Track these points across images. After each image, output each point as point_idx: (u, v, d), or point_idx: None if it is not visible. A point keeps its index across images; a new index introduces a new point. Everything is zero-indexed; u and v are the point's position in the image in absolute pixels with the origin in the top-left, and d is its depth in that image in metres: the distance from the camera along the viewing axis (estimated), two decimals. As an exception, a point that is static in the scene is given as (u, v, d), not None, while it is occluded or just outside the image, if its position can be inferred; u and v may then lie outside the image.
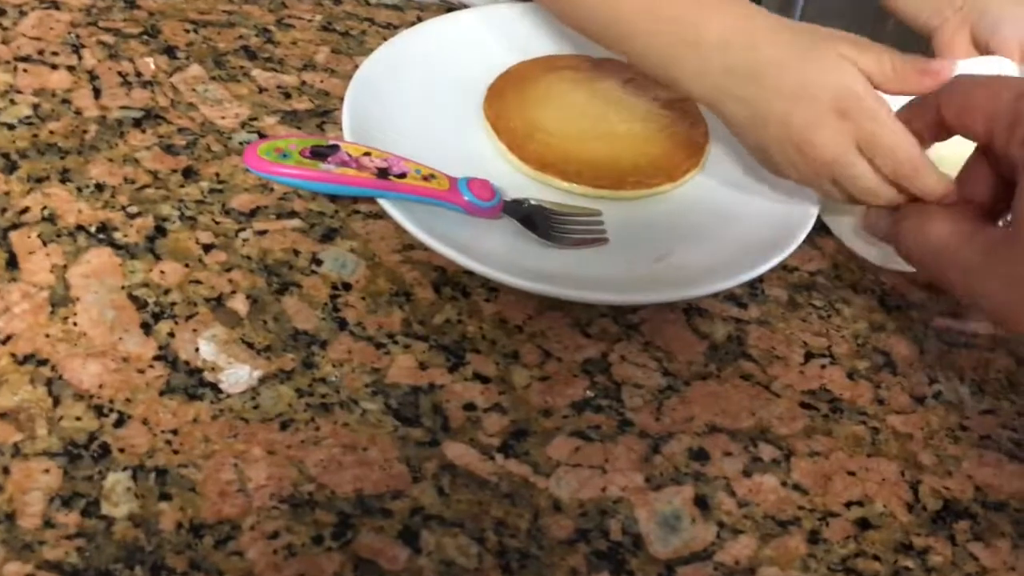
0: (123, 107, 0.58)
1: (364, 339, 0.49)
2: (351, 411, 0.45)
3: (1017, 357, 0.55)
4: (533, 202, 0.55)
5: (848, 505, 0.46)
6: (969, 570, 0.44)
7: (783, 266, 0.57)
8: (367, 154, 0.50)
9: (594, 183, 0.57)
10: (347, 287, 0.51)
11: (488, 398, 0.47)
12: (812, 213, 0.57)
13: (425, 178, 0.51)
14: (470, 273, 0.52)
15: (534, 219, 0.54)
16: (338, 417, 0.45)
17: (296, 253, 0.52)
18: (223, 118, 0.59)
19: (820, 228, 0.60)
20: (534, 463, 0.45)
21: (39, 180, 0.52)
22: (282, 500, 0.42)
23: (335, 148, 0.49)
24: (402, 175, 0.50)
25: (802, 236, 0.55)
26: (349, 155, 0.49)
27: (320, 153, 0.49)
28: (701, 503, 0.45)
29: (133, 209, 0.52)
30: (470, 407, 0.47)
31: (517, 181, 0.57)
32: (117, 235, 0.50)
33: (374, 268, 0.52)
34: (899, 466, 0.48)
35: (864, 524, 0.45)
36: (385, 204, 0.51)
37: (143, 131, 0.57)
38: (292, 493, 0.42)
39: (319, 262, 0.52)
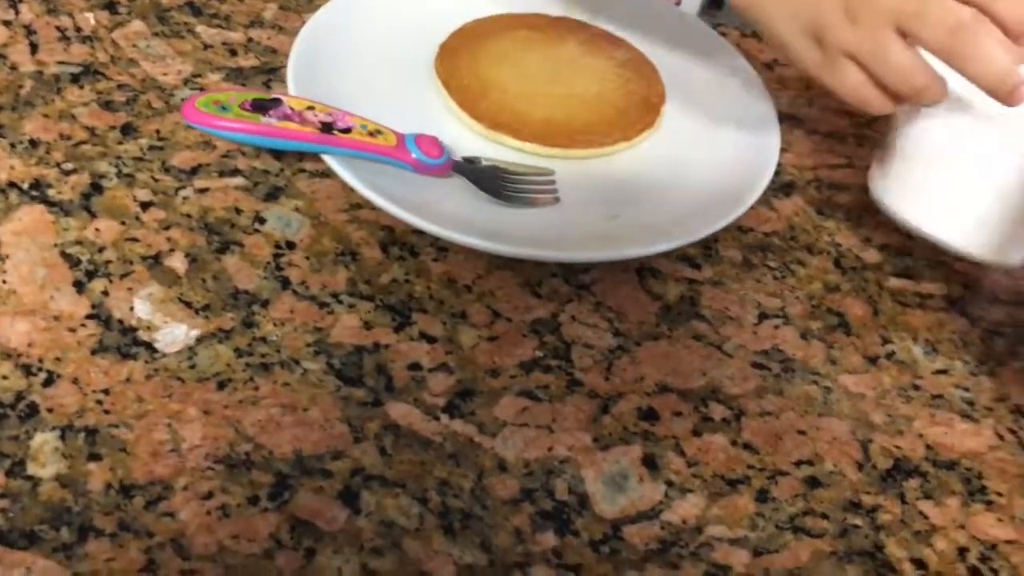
0: (61, 62, 0.56)
1: (307, 298, 0.47)
2: (292, 371, 0.44)
3: (970, 317, 0.54)
4: (485, 161, 0.54)
5: (798, 464, 0.45)
6: (918, 528, 0.44)
7: (738, 227, 0.56)
8: (311, 108, 0.49)
9: (546, 142, 0.55)
10: (291, 246, 0.50)
11: (434, 358, 0.46)
12: (767, 174, 0.56)
13: (371, 134, 0.50)
14: (419, 233, 0.51)
15: (485, 178, 0.53)
16: (278, 377, 0.44)
17: (238, 212, 0.50)
18: (165, 75, 0.57)
19: (777, 189, 0.60)
20: (480, 423, 0.44)
21: (-30, 136, 0.51)
22: (217, 460, 0.40)
23: (277, 102, 0.48)
24: (347, 130, 0.49)
25: (756, 196, 0.54)
26: (292, 109, 0.48)
27: (261, 106, 0.47)
28: (649, 463, 0.44)
29: (68, 166, 0.50)
30: (415, 367, 0.46)
31: (468, 140, 0.56)
32: (51, 192, 0.49)
33: (319, 227, 0.51)
34: (850, 425, 0.47)
35: (813, 483, 0.45)
36: (331, 162, 0.50)
37: (81, 87, 0.55)
38: (228, 453, 0.41)
39: (262, 221, 0.50)
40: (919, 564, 0.42)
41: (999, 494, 0.46)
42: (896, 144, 0.52)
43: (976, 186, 0.50)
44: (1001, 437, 0.48)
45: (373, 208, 0.52)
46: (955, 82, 0.49)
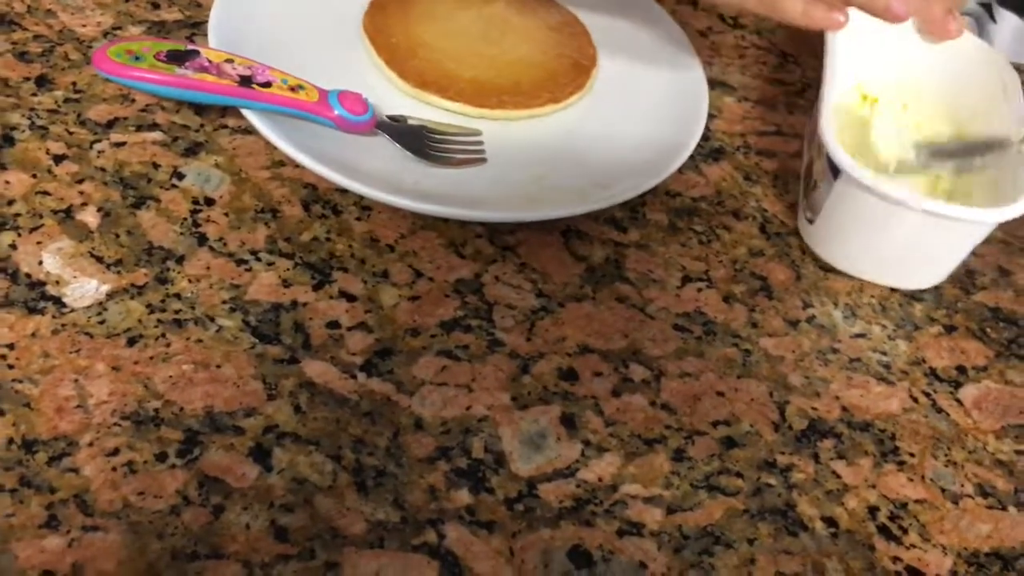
0: (-27, 11, 0.54)
1: (224, 255, 0.46)
2: (206, 328, 0.43)
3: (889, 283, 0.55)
4: (412, 121, 0.53)
5: (715, 424, 0.46)
6: (831, 487, 0.45)
7: (666, 191, 0.57)
8: (229, 61, 0.48)
9: (474, 102, 0.55)
10: (210, 203, 0.49)
11: (353, 316, 0.46)
12: (694, 139, 0.56)
13: (292, 89, 0.49)
14: (342, 192, 0.51)
15: (411, 137, 0.52)
16: (191, 334, 0.43)
17: (156, 166, 0.49)
18: (84, 26, 0.55)
19: (707, 155, 0.60)
20: (398, 382, 0.44)
21: None
22: (125, 417, 0.40)
23: (194, 53, 0.47)
24: (267, 84, 0.48)
25: (681, 160, 0.54)
26: (209, 61, 0.47)
27: (177, 57, 0.46)
28: (568, 422, 0.44)
29: (-22, 117, 0.49)
30: (334, 325, 0.45)
31: (395, 99, 0.55)
32: (-42, 143, 0.47)
33: (240, 184, 0.50)
34: (768, 387, 0.48)
35: (730, 443, 0.45)
36: (252, 117, 0.49)
37: (-6, 36, 0.53)
38: (136, 410, 0.40)
39: (181, 176, 0.49)
40: (830, 522, 0.43)
41: (911, 455, 0.47)
42: (815, 197, 0.54)
43: (884, 237, 0.52)
44: (915, 400, 0.49)
45: (296, 166, 0.51)
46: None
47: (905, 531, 0.44)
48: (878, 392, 0.49)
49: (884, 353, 0.51)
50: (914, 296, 0.55)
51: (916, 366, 0.51)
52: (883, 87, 0.58)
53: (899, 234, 0.51)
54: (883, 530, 0.43)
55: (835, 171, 0.51)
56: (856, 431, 0.47)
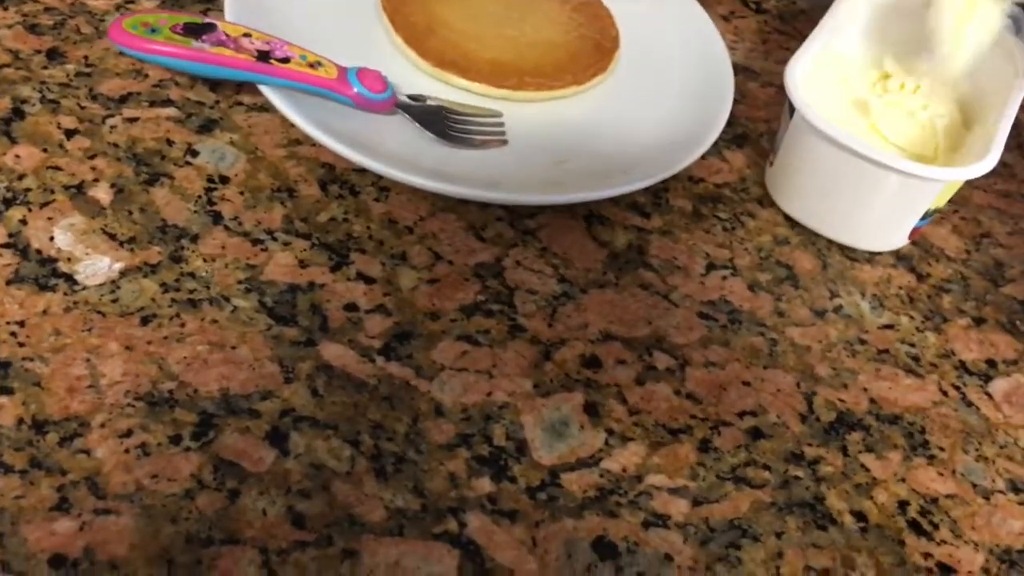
0: (-17, -18, 0.53)
1: (240, 235, 0.45)
2: (221, 308, 0.42)
3: (918, 274, 0.54)
4: (431, 101, 0.52)
5: (741, 415, 0.45)
6: (859, 480, 0.43)
7: (689, 177, 0.55)
8: (247, 35, 0.46)
9: (495, 83, 0.54)
10: (224, 180, 0.47)
11: (371, 299, 0.45)
12: (719, 124, 0.55)
13: (311, 65, 0.47)
14: (360, 172, 0.49)
15: (431, 117, 0.51)
16: (206, 314, 0.42)
17: (170, 143, 0.48)
18: (96, -1, 0.54)
19: (730, 140, 0.58)
20: (417, 366, 0.43)
21: None
22: (138, 397, 0.38)
23: (211, 26, 0.46)
24: (285, 60, 0.47)
25: (706, 146, 0.53)
26: (227, 35, 0.46)
27: (194, 31, 0.45)
28: (591, 410, 0.43)
29: (-12, 89, 0.48)
30: (351, 308, 0.44)
31: (414, 78, 0.54)
32: (-32, 116, 0.46)
33: (255, 162, 0.49)
34: (795, 377, 0.47)
35: (756, 434, 0.44)
36: (269, 93, 0.48)
37: (5, 8, 0.52)
38: (150, 391, 0.39)
39: (195, 153, 0.48)
40: (859, 516, 0.42)
41: (941, 448, 0.46)
42: (782, 150, 0.53)
43: (835, 187, 0.51)
44: (945, 393, 0.48)
45: (312, 144, 0.50)
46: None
47: (936, 526, 0.42)
48: (907, 384, 0.48)
49: (912, 345, 0.50)
50: (942, 288, 0.54)
51: (945, 359, 0.50)
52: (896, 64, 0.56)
53: (850, 185, 0.50)
54: (913, 525, 0.42)
55: (792, 109, 0.51)
56: (885, 424, 0.46)
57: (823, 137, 0.49)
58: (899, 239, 0.54)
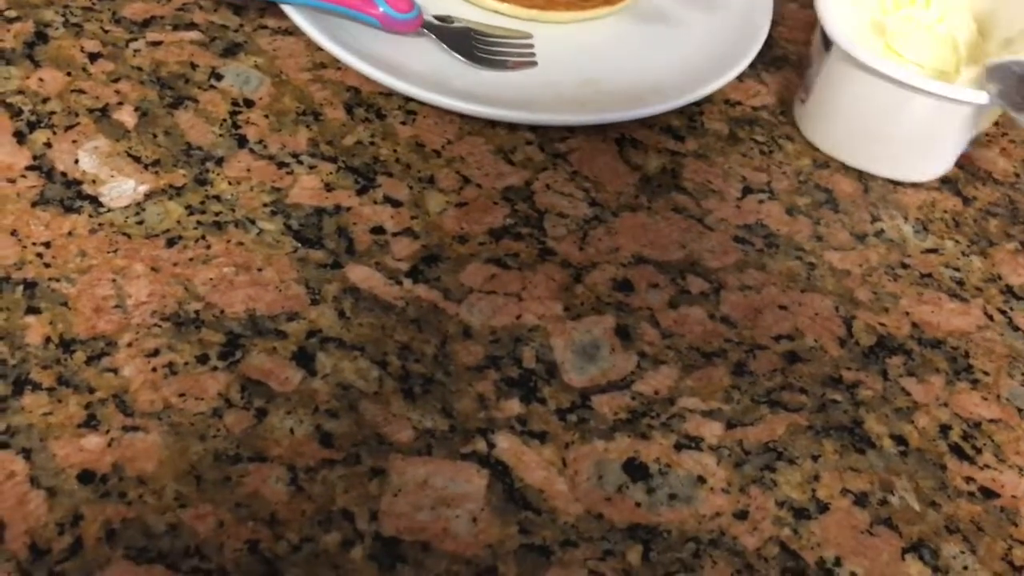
0: (4, -93, 0.52)
1: (265, 158, 0.45)
2: (247, 230, 0.42)
3: (964, 197, 0.52)
4: (458, 22, 0.51)
5: (777, 339, 0.43)
6: (899, 404, 0.42)
7: (725, 100, 0.54)
8: (269, -47, 0.45)
9: (524, 3, 0.52)
10: (249, 104, 0.47)
11: (398, 222, 0.44)
12: (756, 46, 0.53)
13: (335, -16, 0.46)
14: (386, 95, 0.48)
15: (458, 39, 0.50)
16: (232, 236, 0.41)
17: (194, 67, 0.47)
18: (118, -76, 0.53)
19: (768, 63, 0.57)
20: (445, 289, 0.42)
21: (-96, -21, 0.47)
22: (164, 318, 0.38)
23: (232, -56, 0.44)
24: (308, -21, 0.45)
25: (742, 67, 0.51)
26: (248, -47, 0.45)
27: (215, -51, 0.44)
28: (622, 333, 0.42)
29: (11, 13, 0.47)
30: (378, 230, 0.43)
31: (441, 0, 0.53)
32: (-9, 40, 0.46)
33: (280, 86, 0.48)
34: (834, 302, 0.45)
35: (793, 357, 0.43)
36: (294, 15, 0.47)
37: (26, -67, 0.51)
38: (176, 311, 0.38)
39: (219, 77, 0.47)
40: (899, 440, 0.41)
41: (985, 373, 0.44)
42: (809, 75, 0.52)
43: (876, 118, 0.50)
44: (991, 317, 0.47)
45: (338, 68, 0.49)
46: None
47: (979, 451, 0.41)
48: (951, 309, 0.47)
49: (957, 269, 0.48)
50: (989, 211, 0.52)
51: (991, 283, 0.48)
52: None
53: (900, 119, 0.49)
54: (955, 449, 0.41)
55: (827, 43, 0.48)
56: (927, 348, 0.45)
57: (872, 72, 0.47)
58: (946, 166, 0.52)
